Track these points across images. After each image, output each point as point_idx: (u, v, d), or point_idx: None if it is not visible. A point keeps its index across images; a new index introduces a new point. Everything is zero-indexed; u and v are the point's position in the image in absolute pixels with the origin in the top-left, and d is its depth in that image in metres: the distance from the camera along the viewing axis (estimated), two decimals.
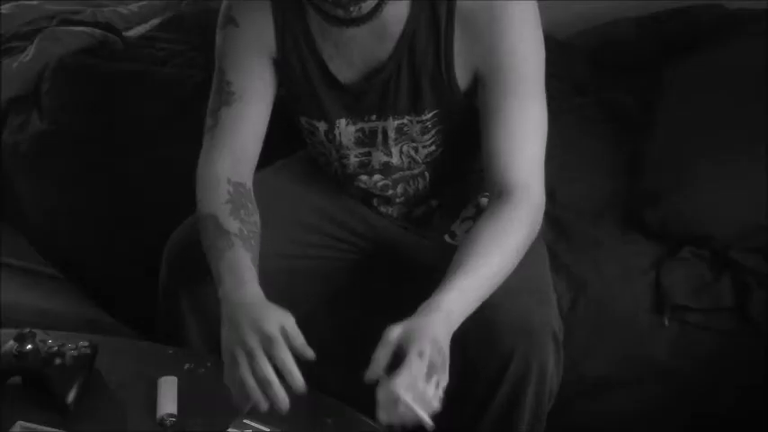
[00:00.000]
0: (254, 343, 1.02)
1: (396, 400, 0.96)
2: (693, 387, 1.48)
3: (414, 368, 0.97)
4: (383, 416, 0.98)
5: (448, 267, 1.10)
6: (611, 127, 1.87)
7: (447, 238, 1.36)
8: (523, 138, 1.18)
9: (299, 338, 1.05)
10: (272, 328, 1.03)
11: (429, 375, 0.98)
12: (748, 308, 1.46)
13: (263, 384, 1.01)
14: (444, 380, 1.00)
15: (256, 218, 1.23)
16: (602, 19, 2.20)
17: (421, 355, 0.98)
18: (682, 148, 1.64)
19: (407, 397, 0.96)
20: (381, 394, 0.98)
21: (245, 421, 1.06)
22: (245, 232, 1.19)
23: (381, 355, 1.00)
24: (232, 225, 1.19)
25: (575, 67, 2.05)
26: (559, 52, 2.05)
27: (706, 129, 1.65)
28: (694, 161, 1.59)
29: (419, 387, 0.97)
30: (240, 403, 1.04)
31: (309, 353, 1.05)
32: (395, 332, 1.01)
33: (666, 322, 1.48)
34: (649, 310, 1.49)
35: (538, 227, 1.18)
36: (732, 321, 1.47)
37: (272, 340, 1.02)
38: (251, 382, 1.02)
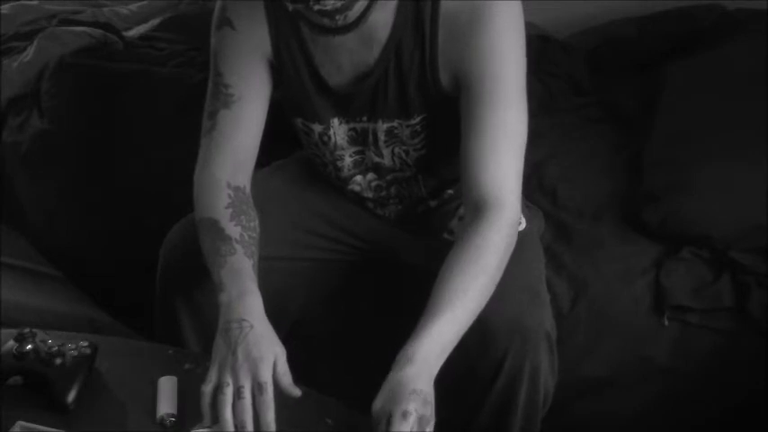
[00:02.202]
0: (246, 383, 1.02)
1: None
2: (693, 387, 1.48)
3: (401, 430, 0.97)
4: None
5: (425, 306, 1.07)
6: (610, 127, 1.87)
7: (446, 235, 1.36)
8: (498, 148, 1.13)
9: (285, 378, 1.05)
10: (266, 376, 1.03)
11: (421, 429, 0.97)
12: (748, 308, 1.46)
13: (238, 424, 1.01)
14: (431, 424, 1.00)
15: (256, 224, 1.22)
16: (602, 19, 2.20)
17: (405, 415, 0.97)
18: (682, 148, 1.64)
19: None
20: None
21: None
22: (246, 238, 1.18)
23: None
24: (233, 230, 1.18)
25: (575, 67, 2.04)
26: (559, 52, 2.06)
27: (706, 129, 1.65)
28: (694, 161, 1.59)
29: None
30: (206, 416, 1.03)
31: (295, 393, 1.05)
32: (378, 404, 1.00)
33: (666, 322, 1.48)
34: (649, 310, 1.49)
35: (514, 241, 1.14)
36: (732, 321, 1.47)
37: (263, 390, 1.02)
38: (228, 416, 1.01)
